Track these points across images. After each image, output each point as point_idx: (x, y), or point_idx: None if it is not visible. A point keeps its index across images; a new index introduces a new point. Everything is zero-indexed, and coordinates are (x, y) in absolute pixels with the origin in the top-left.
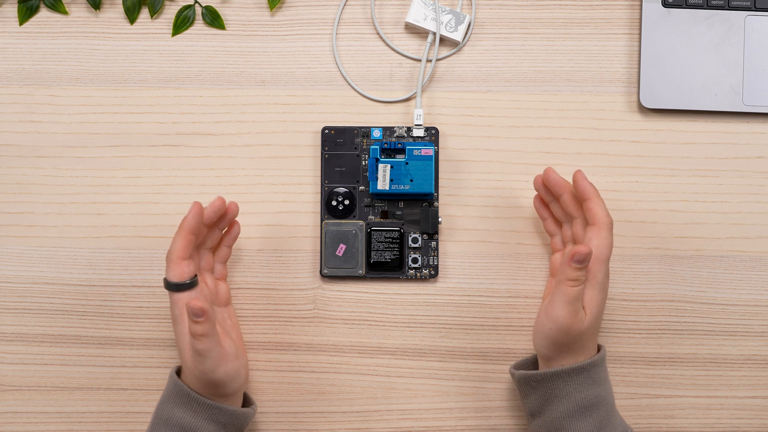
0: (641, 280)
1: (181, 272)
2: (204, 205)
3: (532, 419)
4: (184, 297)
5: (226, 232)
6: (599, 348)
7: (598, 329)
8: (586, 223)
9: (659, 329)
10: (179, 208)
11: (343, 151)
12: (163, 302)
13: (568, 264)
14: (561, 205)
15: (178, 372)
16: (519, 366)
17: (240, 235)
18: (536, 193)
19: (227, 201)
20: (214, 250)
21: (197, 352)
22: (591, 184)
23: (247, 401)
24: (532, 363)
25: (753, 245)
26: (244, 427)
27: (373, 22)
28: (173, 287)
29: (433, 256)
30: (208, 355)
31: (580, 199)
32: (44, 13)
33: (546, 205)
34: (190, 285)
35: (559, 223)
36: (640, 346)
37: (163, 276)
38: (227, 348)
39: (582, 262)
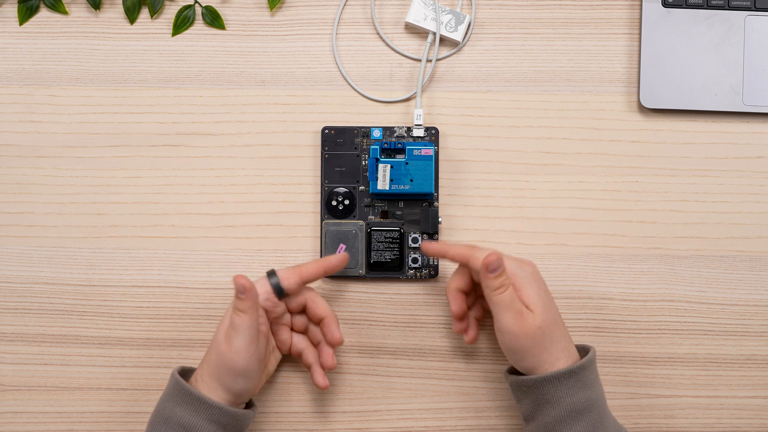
0: (641, 280)
1: (288, 278)
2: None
3: (527, 423)
4: (267, 292)
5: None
6: (588, 349)
7: (557, 320)
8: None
9: (659, 329)
10: (179, 208)
11: (343, 151)
12: (162, 302)
13: (486, 277)
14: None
15: (181, 373)
16: (513, 370)
17: (239, 235)
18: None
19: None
20: (314, 341)
21: (232, 325)
22: (435, 243)
23: (248, 403)
24: None
25: (753, 245)
26: (244, 429)
27: (373, 22)
28: (273, 280)
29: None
30: (240, 333)
31: (442, 258)
32: (44, 13)
33: (462, 315)
34: (279, 291)
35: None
36: (640, 346)
37: (233, 276)
38: (259, 344)
39: (495, 269)
